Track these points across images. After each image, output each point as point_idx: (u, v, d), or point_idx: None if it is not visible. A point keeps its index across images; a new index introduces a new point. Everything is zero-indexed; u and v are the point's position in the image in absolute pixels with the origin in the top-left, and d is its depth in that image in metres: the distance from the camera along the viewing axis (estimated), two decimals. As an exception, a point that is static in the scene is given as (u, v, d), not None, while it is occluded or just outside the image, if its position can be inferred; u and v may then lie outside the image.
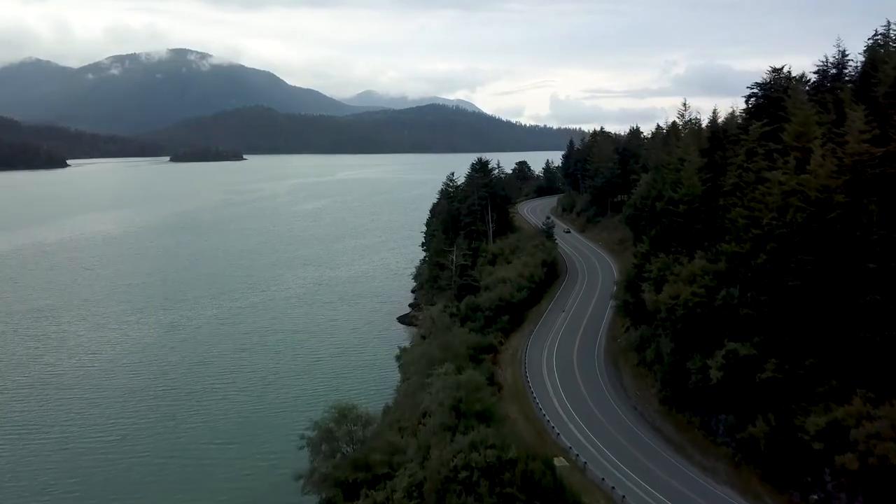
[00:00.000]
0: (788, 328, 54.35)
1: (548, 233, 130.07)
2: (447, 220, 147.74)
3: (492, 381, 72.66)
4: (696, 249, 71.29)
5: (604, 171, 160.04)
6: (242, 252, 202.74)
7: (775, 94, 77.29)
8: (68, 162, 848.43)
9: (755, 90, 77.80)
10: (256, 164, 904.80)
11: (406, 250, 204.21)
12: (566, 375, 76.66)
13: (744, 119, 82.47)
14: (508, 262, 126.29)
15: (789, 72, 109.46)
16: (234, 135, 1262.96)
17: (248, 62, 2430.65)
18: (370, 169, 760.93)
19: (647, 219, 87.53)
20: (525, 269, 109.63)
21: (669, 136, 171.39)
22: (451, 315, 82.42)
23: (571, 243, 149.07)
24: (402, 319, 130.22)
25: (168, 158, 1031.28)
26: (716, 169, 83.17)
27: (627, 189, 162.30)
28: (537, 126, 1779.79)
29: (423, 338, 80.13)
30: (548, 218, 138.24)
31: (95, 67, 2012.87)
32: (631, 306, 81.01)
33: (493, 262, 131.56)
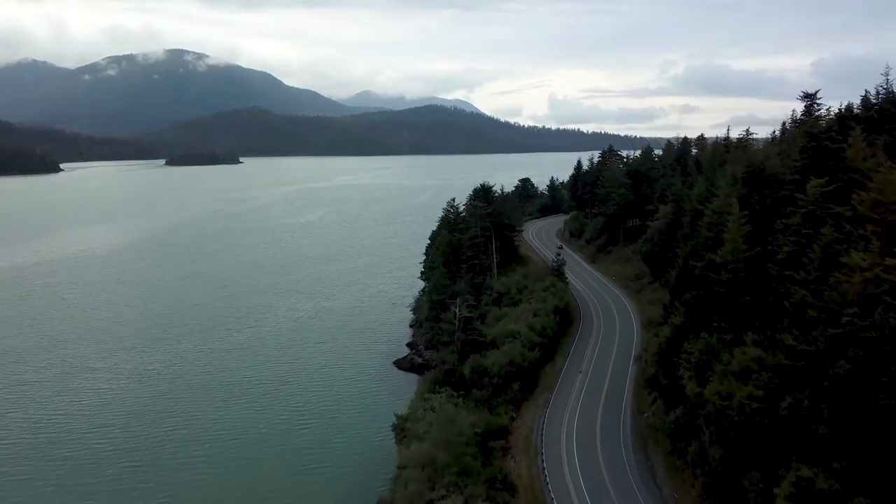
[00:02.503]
0: (883, 457, 43.59)
1: (558, 270, 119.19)
2: (448, 252, 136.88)
3: (505, 482, 61.92)
4: (745, 330, 60.55)
5: (615, 198, 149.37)
6: (230, 276, 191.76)
7: (831, 140, 66.28)
8: (62, 166, 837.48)
9: (809, 142, 66.46)
10: (253, 168, 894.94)
11: (403, 272, 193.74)
12: (590, 468, 65.78)
13: (792, 168, 71.47)
14: (515, 304, 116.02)
15: (842, 111, 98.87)
16: (231, 136, 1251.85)
17: (246, 62, 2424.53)
18: (368, 173, 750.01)
19: (681, 280, 76.45)
20: (536, 319, 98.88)
21: (686, 159, 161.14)
22: (456, 403, 71.16)
23: (582, 277, 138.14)
24: (400, 364, 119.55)
25: (164, 162, 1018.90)
26: (758, 220, 72.47)
27: (641, 214, 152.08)
28: (536, 127, 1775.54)
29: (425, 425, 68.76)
30: (558, 254, 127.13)
31: (92, 68, 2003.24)
32: (663, 384, 70.08)
33: (498, 302, 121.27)
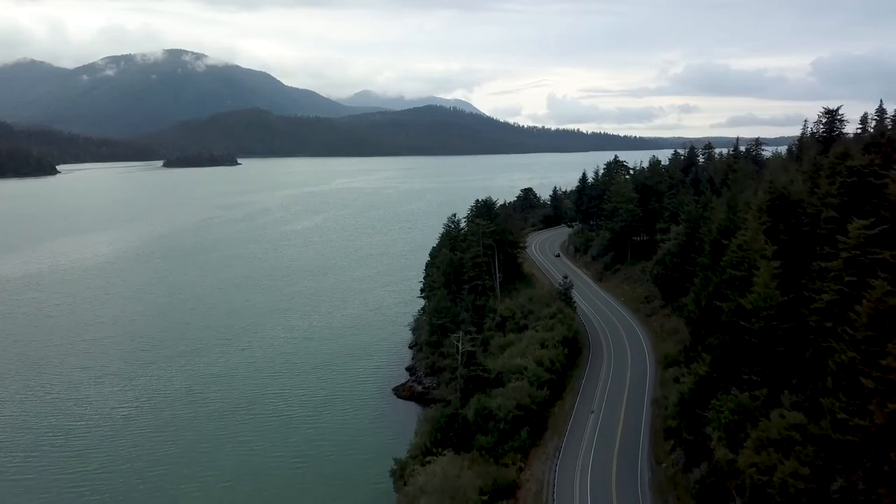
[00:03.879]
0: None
1: (566, 294, 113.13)
2: (449, 272, 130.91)
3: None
4: (781, 387, 54.58)
5: (623, 213, 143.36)
6: (223, 291, 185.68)
7: (874, 174, 60.28)
8: (58, 168, 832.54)
9: (848, 176, 60.45)
10: (250, 170, 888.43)
11: (402, 286, 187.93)
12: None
13: (823, 198, 65.44)
14: (521, 329, 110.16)
15: (866, 128, 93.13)
16: (229, 137, 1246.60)
17: (244, 62, 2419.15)
18: (366, 176, 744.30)
19: (702, 321, 70.35)
20: (544, 351, 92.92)
21: (697, 173, 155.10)
22: (460, 467, 64.96)
23: (588, 297, 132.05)
24: (400, 392, 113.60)
25: (161, 163, 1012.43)
26: (789, 256, 66.63)
27: (649, 229, 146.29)
28: (535, 127, 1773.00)
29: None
30: (566, 277, 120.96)
31: (90, 68, 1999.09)
32: (685, 439, 64.04)
33: (502, 326, 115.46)
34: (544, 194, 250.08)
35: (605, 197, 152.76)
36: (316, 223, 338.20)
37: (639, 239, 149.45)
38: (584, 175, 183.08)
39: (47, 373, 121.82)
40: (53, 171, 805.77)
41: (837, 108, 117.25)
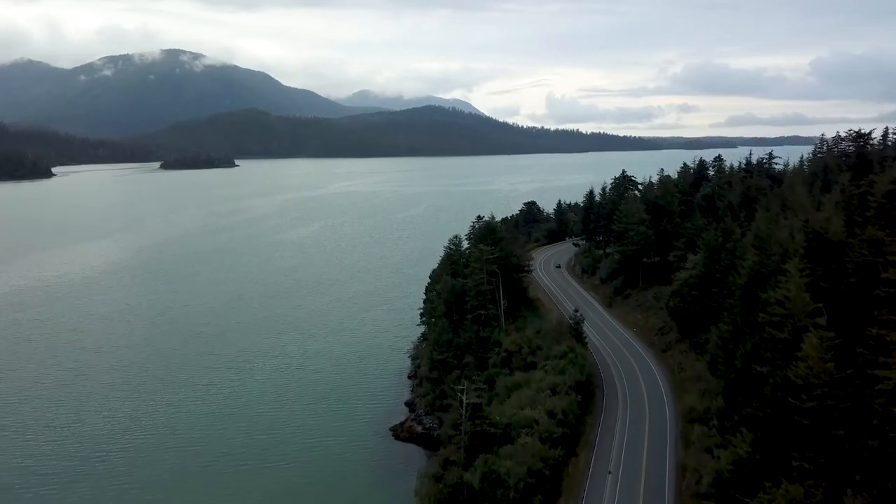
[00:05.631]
0: None
1: (577, 331, 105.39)
2: (450, 300, 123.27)
3: None
4: (842, 482, 46.85)
5: (634, 236, 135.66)
6: (212, 310, 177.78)
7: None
8: (54, 171, 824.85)
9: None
10: (248, 173, 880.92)
11: (400, 303, 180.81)
12: None
13: (891, 263, 57.71)
14: (528, 367, 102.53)
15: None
16: (227, 138, 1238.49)
17: (243, 62, 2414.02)
18: (364, 178, 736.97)
19: (739, 386, 62.56)
20: (555, 399, 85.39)
21: (712, 196, 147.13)
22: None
23: (598, 327, 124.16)
24: (399, 432, 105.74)
25: (158, 165, 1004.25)
26: (837, 314, 59.07)
27: (662, 251, 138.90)
28: (535, 127, 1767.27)
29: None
30: (576, 311, 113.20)
31: (88, 68, 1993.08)
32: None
33: (508, 363, 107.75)
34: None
35: (615, 218, 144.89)
36: (312, 231, 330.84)
37: (650, 260, 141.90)
38: (591, 192, 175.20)
39: (20, 411, 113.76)
40: (49, 174, 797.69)
41: (870, 132, 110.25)
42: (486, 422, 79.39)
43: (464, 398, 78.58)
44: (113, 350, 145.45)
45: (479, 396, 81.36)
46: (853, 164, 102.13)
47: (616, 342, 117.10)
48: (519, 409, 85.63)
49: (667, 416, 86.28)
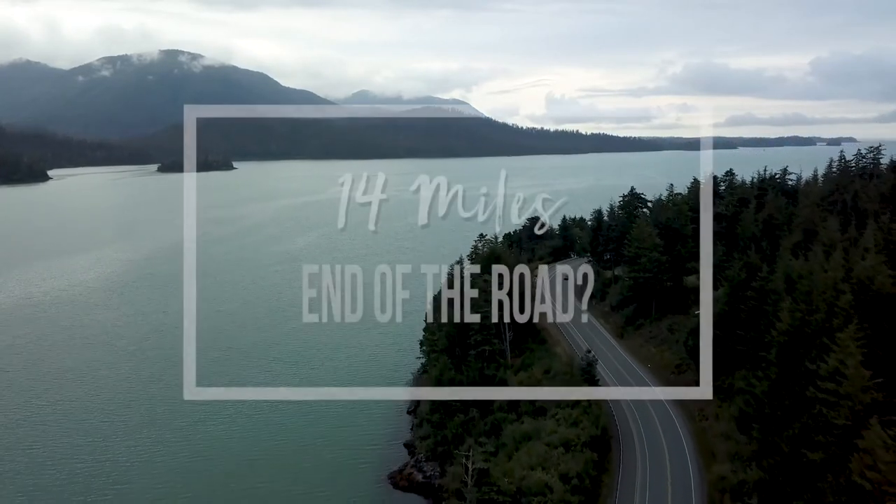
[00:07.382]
0: None
1: (589, 374, 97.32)
2: (452, 334, 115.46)
3: None
4: None
5: (646, 262, 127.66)
6: (202, 333, 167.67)
7: None
8: (50, 174, 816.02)
9: None
10: (246, 176, 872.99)
11: (400, 322, 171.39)
12: None
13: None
14: (537, 413, 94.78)
15: None
16: (226, 139, 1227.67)
17: (241, 63, 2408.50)
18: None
19: (784, 467, 54.47)
20: (568, 458, 77.50)
21: (733, 221, 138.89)
22: None
23: (610, 362, 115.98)
24: (397, 480, 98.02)
25: (156, 168, 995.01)
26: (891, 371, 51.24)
27: (676, 276, 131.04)
28: (535, 128, 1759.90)
29: None
30: (589, 351, 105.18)
31: (86, 69, 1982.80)
32: None
33: (515, 406, 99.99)
34: (551, 220, 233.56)
35: (626, 243, 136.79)
36: (307, 242, 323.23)
37: (663, 287, 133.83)
38: (599, 212, 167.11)
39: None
40: (45, 178, 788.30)
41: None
42: (494, 489, 71.50)
43: (470, 465, 70.62)
44: (93, 382, 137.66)
45: (486, 461, 73.44)
46: (888, 195, 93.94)
47: (630, 381, 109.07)
48: (529, 468, 77.75)
49: (692, 482, 77.96)
